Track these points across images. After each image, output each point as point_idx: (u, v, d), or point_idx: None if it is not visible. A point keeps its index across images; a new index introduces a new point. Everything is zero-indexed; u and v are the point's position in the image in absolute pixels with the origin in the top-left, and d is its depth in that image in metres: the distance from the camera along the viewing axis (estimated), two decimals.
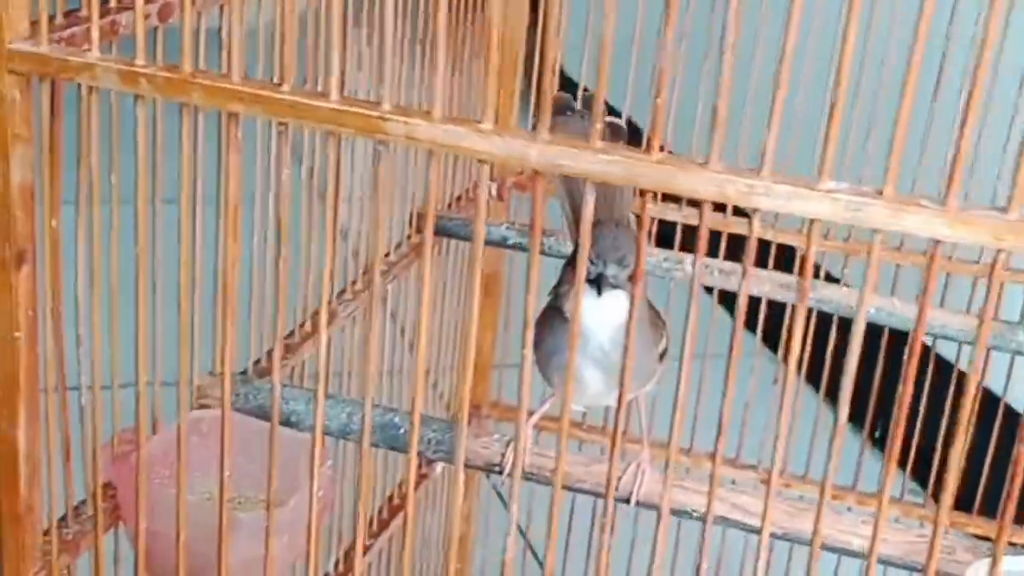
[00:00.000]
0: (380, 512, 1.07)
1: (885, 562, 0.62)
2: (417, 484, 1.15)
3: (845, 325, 1.05)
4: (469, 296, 1.16)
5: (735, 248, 1.12)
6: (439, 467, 1.16)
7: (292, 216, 0.52)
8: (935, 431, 1.09)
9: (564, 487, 0.69)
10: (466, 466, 0.72)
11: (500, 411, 1.29)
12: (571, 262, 0.69)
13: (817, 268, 1.10)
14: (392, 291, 1.00)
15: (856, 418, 1.12)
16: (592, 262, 0.65)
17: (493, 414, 1.28)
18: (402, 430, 0.72)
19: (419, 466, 1.15)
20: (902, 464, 1.16)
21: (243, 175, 0.52)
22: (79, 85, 0.52)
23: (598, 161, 0.46)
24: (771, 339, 1.13)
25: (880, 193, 0.43)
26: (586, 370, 0.70)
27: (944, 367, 1.09)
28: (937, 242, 0.43)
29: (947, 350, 1.08)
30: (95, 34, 0.50)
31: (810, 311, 1.01)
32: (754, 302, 1.05)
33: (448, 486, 1.27)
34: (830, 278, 1.06)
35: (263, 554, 0.59)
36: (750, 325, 0.46)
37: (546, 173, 0.47)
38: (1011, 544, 0.99)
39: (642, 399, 0.77)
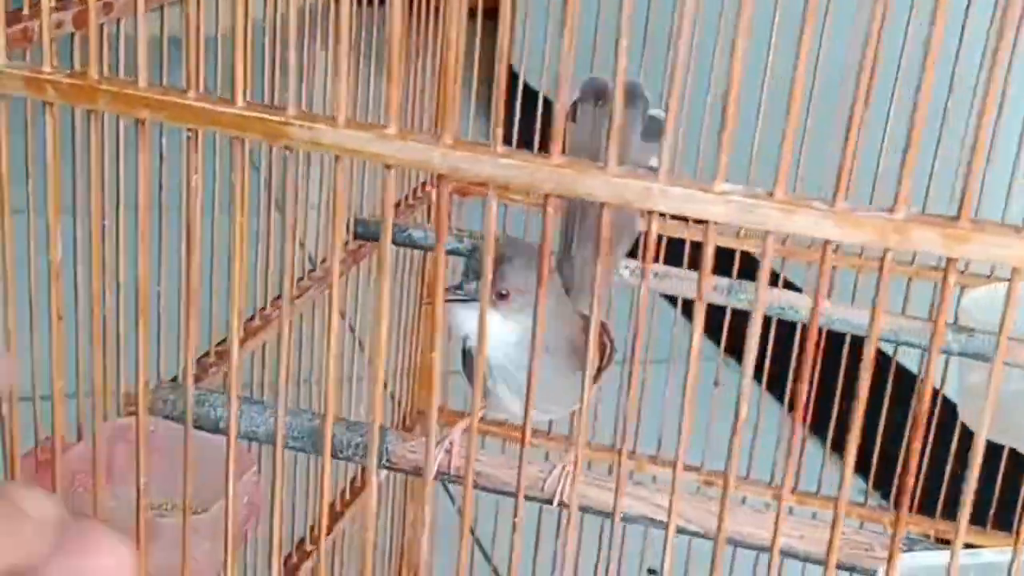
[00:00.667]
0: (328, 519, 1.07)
1: (801, 557, 0.63)
2: (360, 490, 1.15)
3: (788, 331, 1.07)
4: (379, 303, 1.16)
5: (677, 250, 1.13)
6: (382, 473, 1.17)
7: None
8: (897, 440, 1.10)
9: (488, 489, 0.70)
10: (392, 469, 0.72)
11: (447, 416, 1.29)
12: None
13: (776, 275, 1.12)
14: (323, 299, 1.00)
15: (818, 428, 1.14)
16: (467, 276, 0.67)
17: (440, 420, 1.28)
18: (332, 435, 0.72)
19: (361, 472, 1.15)
20: (862, 471, 1.18)
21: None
22: None
23: (498, 165, 0.47)
24: (723, 342, 1.14)
25: (771, 195, 0.44)
26: (501, 392, 0.72)
27: (907, 377, 1.11)
28: (827, 242, 0.44)
29: (909, 361, 1.10)
30: (2, 40, 0.50)
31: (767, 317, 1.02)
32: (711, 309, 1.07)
33: (394, 492, 1.27)
34: (790, 286, 1.08)
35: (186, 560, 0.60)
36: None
37: (450, 177, 0.48)
38: (942, 541, 1.01)
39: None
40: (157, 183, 0.71)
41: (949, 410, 1.05)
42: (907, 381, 1.10)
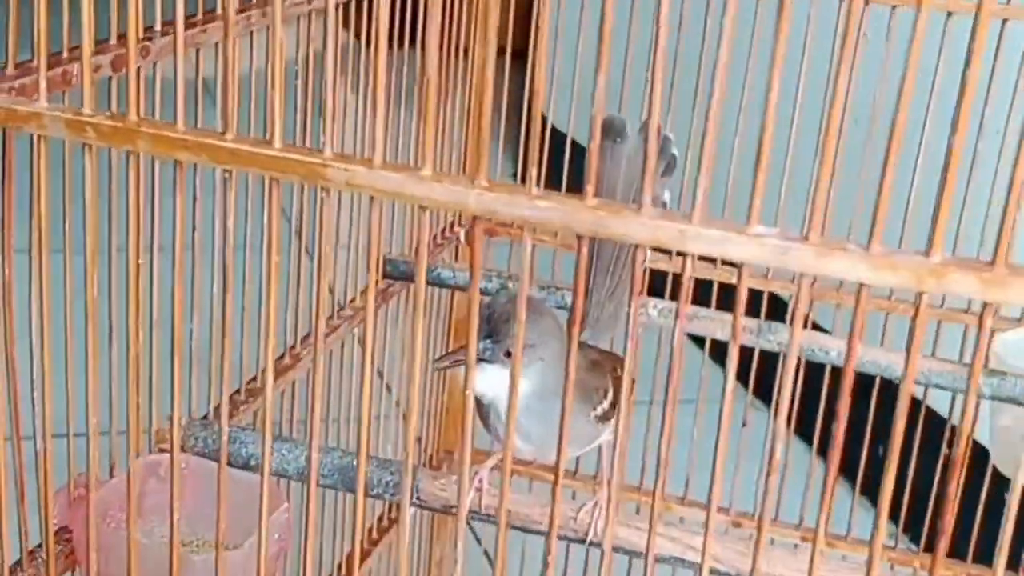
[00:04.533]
0: (350, 556, 1.08)
1: None
2: (388, 528, 1.15)
3: (816, 373, 1.07)
4: (412, 340, 1.17)
5: (727, 298, 1.13)
6: (409, 511, 1.16)
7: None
8: (927, 483, 1.10)
9: (518, 528, 0.70)
10: (422, 507, 0.72)
11: (473, 457, 1.29)
12: None
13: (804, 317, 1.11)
14: (358, 335, 1.01)
15: (848, 471, 1.14)
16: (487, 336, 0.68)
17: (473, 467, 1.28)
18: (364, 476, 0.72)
19: (388, 510, 1.15)
20: (894, 518, 1.17)
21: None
22: (31, 135, 0.53)
23: (533, 208, 0.47)
24: (751, 383, 1.14)
25: (806, 238, 0.44)
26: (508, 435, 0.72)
27: (936, 420, 1.10)
28: (862, 285, 0.44)
29: (939, 404, 1.09)
30: (43, 84, 0.51)
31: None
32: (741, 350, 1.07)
33: (421, 530, 1.27)
34: (817, 327, 1.07)
35: None
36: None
37: (484, 218, 0.48)
38: None
39: (604, 444, 0.78)
40: (191, 224, 0.72)
41: (978, 454, 1.04)
42: (936, 424, 1.10)
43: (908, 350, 0.45)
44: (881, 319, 1.09)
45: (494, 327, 0.69)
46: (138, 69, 0.68)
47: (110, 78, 0.62)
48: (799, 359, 1.01)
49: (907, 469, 1.11)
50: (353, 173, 0.48)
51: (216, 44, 0.73)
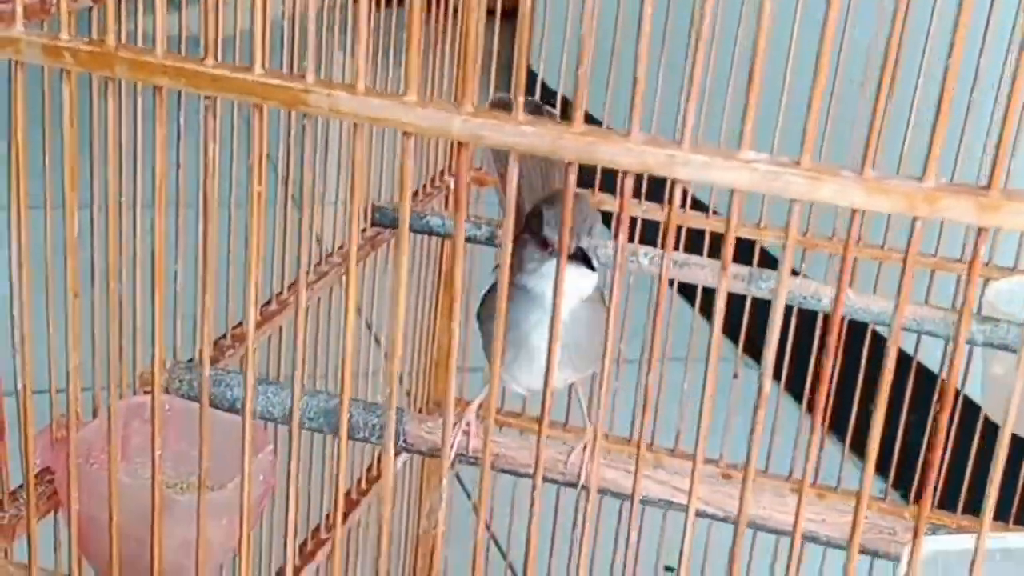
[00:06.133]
0: (343, 500, 1.07)
1: (823, 542, 0.62)
2: (377, 477, 1.14)
3: (807, 327, 1.06)
4: (426, 289, 1.16)
5: (697, 241, 1.12)
6: (401, 458, 1.16)
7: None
8: (917, 440, 1.09)
9: (507, 471, 0.70)
10: (408, 451, 0.72)
11: (463, 407, 1.28)
12: (530, 236, 0.69)
13: (795, 271, 1.11)
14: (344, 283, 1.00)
15: (837, 427, 1.13)
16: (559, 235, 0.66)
17: (458, 407, 1.28)
18: (349, 416, 0.71)
19: (377, 460, 1.14)
20: (882, 472, 1.17)
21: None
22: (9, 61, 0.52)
23: (521, 133, 0.46)
24: (742, 336, 1.14)
25: (797, 163, 0.43)
26: (543, 343, 0.70)
27: (925, 375, 1.10)
28: (854, 211, 0.43)
29: (930, 359, 1.09)
30: (19, 9, 0.49)
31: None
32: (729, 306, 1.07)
33: (408, 482, 1.27)
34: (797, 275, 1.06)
35: (202, 536, 0.59)
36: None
37: (471, 144, 0.47)
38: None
39: (580, 386, 0.77)
40: (175, 161, 0.70)
41: (970, 407, 1.04)
42: (928, 380, 1.09)
43: (900, 287, 0.44)
44: (874, 268, 1.09)
45: (589, 224, 0.66)
46: (120, 1, 0.67)
47: (90, 9, 0.61)
48: (787, 307, 1.00)
49: (897, 425, 1.11)
50: (335, 99, 0.47)
51: None
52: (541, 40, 1.18)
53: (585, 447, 0.69)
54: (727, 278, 0.46)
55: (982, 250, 0.43)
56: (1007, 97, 0.42)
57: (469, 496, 1.63)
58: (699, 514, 0.65)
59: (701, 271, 0.94)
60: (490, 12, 1.17)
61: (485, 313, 0.74)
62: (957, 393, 1.08)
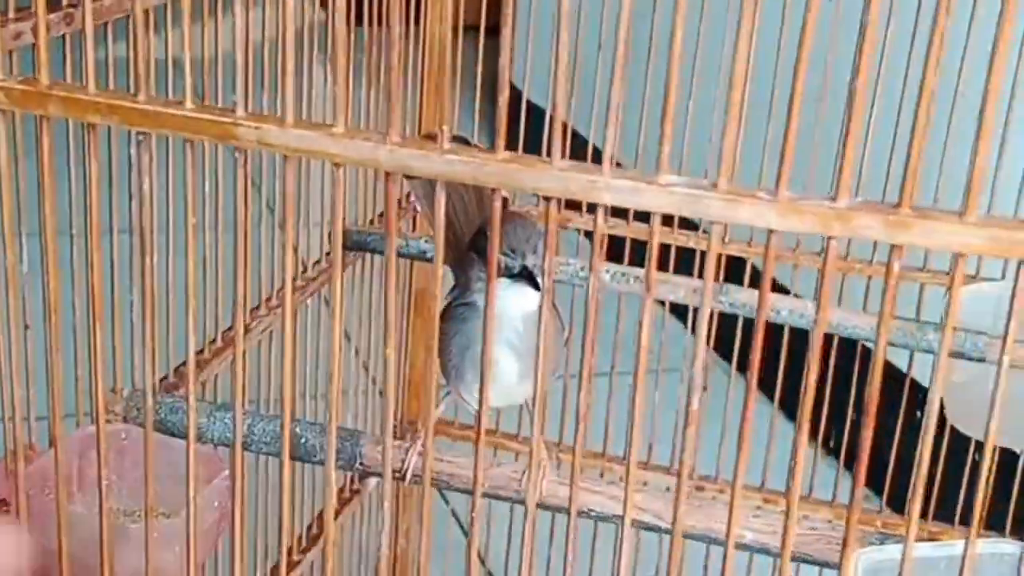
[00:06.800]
0: (311, 528, 1.08)
1: (755, 549, 0.63)
2: (349, 499, 1.15)
3: (776, 335, 1.07)
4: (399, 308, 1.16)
5: (686, 261, 1.13)
6: (372, 481, 1.16)
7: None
8: (889, 437, 1.10)
9: (457, 489, 0.70)
10: (365, 474, 0.72)
11: (438, 427, 1.29)
12: (477, 257, 0.70)
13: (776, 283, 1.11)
14: (312, 308, 1.00)
15: (832, 444, 1.14)
16: (509, 255, 0.67)
17: (418, 427, 1.28)
18: (302, 439, 0.72)
19: (350, 482, 1.15)
20: (876, 487, 1.18)
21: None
22: None
23: (446, 162, 0.47)
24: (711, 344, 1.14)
25: (715, 186, 0.44)
26: (502, 358, 0.71)
27: (896, 375, 1.10)
28: (771, 231, 0.44)
29: (899, 360, 1.10)
30: None
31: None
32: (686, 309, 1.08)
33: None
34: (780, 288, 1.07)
35: (153, 565, 0.60)
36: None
37: (395, 175, 0.48)
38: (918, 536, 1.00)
39: (528, 402, 0.78)
40: (126, 194, 0.71)
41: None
42: (920, 395, 1.10)
43: (819, 298, 0.45)
44: (837, 279, 1.09)
45: (534, 243, 0.68)
46: (63, 36, 0.68)
47: (34, 45, 0.61)
48: (747, 318, 1.01)
49: (892, 439, 1.12)
50: (264, 132, 0.48)
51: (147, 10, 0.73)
52: (525, 57, 1.19)
53: (541, 464, 0.69)
54: (651, 302, 0.47)
55: (895, 265, 0.44)
56: (913, 114, 0.43)
57: (455, 513, 1.63)
58: (638, 523, 0.66)
59: (662, 286, 0.95)
60: (474, 28, 1.18)
61: (443, 336, 0.75)
62: (917, 396, 1.10)
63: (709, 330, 1.11)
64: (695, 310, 1.02)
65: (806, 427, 0.46)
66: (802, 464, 0.46)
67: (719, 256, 0.45)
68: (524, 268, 0.67)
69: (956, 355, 0.92)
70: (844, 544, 0.47)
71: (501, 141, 0.46)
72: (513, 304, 0.69)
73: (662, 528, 0.67)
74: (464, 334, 0.73)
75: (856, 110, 0.42)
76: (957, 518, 1.11)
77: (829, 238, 0.43)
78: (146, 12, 0.71)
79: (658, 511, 0.68)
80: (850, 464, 1.09)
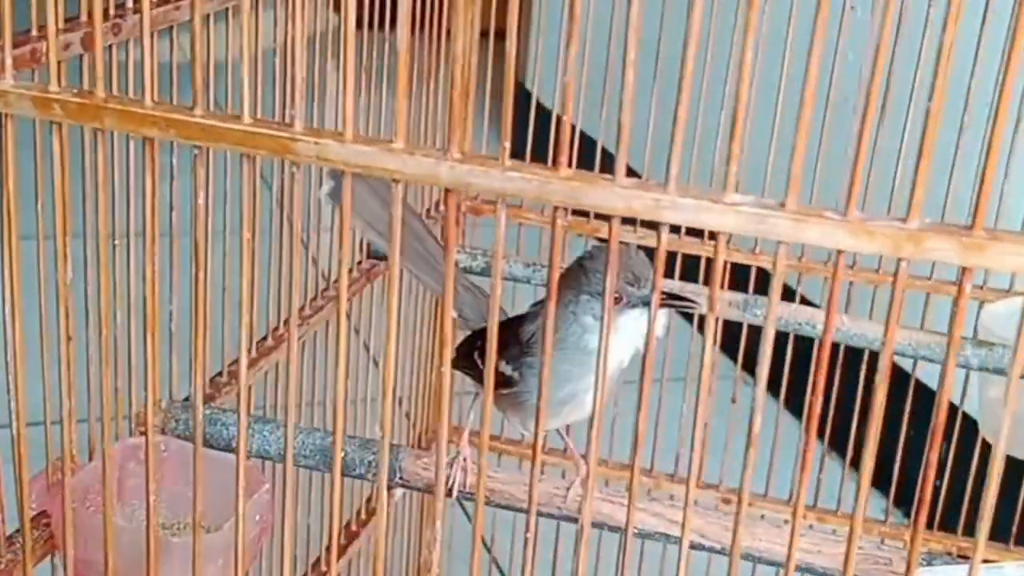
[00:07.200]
0: (339, 537, 1.07)
1: (818, 573, 0.62)
2: (374, 511, 1.14)
3: (807, 349, 1.06)
4: (425, 315, 1.16)
5: (694, 269, 1.13)
6: (398, 492, 1.16)
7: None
8: (917, 459, 1.09)
9: (502, 506, 0.70)
10: (405, 487, 0.72)
11: (458, 437, 1.29)
12: (570, 285, 0.69)
13: (792, 291, 1.11)
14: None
15: (838, 446, 1.13)
16: (630, 284, 0.66)
17: (453, 439, 1.28)
18: (342, 453, 0.72)
19: (377, 493, 1.14)
20: (883, 489, 1.17)
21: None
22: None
23: (506, 179, 0.46)
24: (740, 359, 1.14)
25: (782, 205, 0.44)
26: (590, 394, 0.70)
27: (925, 393, 1.10)
28: (839, 252, 0.43)
29: (928, 377, 1.09)
30: (8, 60, 0.50)
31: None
32: (728, 327, 1.08)
33: (410, 511, 1.27)
34: (807, 302, 1.06)
35: None
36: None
37: (457, 191, 0.47)
38: (963, 558, 1.00)
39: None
40: (168, 205, 0.71)
41: (970, 427, 1.04)
42: (927, 399, 1.09)
43: (888, 317, 0.44)
44: (869, 293, 1.09)
45: (649, 271, 0.67)
46: (110, 47, 0.67)
47: (81, 56, 0.61)
48: (784, 334, 1.01)
49: (897, 444, 1.11)
50: (324, 147, 0.48)
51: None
52: (535, 59, 1.19)
53: (583, 483, 0.69)
54: (714, 321, 0.46)
55: (967, 287, 0.43)
56: (989, 133, 0.42)
57: (471, 519, 1.63)
58: (695, 546, 0.65)
59: (696, 299, 0.94)
60: (484, 33, 1.18)
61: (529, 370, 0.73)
62: (953, 411, 1.09)
63: (737, 344, 1.12)
64: (726, 323, 1.02)
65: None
66: (863, 504, 0.46)
67: (753, 269, 0.44)
68: (647, 297, 0.66)
69: (994, 371, 0.91)
70: (908, 568, 0.46)
71: (563, 158, 0.46)
72: (627, 339, 0.69)
73: (706, 547, 0.66)
74: (558, 371, 0.70)
75: (930, 131, 0.41)
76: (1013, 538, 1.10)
77: (900, 260, 0.43)
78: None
79: (698, 528, 0.68)
80: (856, 467, 1.09)
